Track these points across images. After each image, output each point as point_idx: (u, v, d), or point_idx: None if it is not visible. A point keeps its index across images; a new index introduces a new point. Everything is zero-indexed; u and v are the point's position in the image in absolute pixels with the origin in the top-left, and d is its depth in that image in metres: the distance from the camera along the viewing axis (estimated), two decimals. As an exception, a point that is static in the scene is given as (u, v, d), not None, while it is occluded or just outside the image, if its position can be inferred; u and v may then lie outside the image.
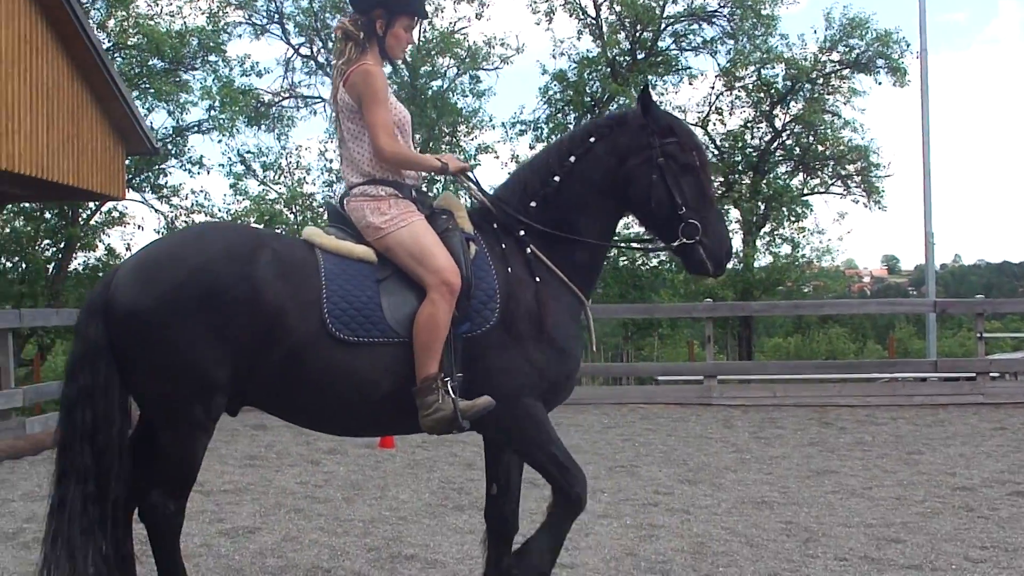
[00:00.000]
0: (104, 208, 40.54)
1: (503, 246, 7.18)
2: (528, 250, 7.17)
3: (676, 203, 7.09)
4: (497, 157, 50.44)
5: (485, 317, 6.91)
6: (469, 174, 7.53)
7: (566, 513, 7.14)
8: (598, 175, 7.25)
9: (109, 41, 38.28)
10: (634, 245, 9.94)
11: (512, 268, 7.09)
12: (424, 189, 7.50)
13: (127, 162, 26.12)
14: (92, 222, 41.11)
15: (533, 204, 7.28)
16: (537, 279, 7.09)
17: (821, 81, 41.92)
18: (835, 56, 41.87)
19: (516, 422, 6.97)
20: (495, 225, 7.29)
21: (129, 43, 39.22)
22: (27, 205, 37.19)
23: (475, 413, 6.72)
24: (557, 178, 7.26)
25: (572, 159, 7.27)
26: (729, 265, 7.44)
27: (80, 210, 39.88)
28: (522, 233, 7.21)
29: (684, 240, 7.09)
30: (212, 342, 6.63)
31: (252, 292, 6.67)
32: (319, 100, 44.38)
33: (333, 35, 7.78)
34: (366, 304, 6.84)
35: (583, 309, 7.38)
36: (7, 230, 39.52)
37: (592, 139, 7.32)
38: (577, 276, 7.29)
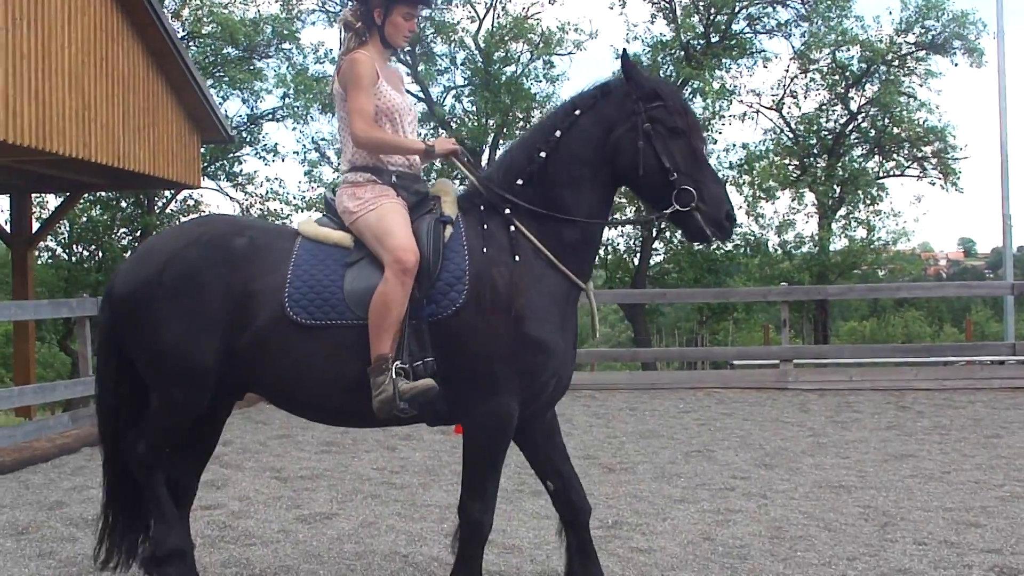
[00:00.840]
0: (179, 196, 40.89)
1: (484, 226, 7.06)
2: (511, 228, 7.02)
3: (666, 169, 6.85)
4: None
5: (452, 299, 6.82)
6: (460, 156, 7.42)
7: (469, 537, 7.12)
8: (586, 148, 7.04)
9: (184, 30, 38.58)
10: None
11: (488, 248, 6.96)
12: (416, 176, 7.42)
13: (202, 150, 26.32)
14: (168, 210, 41.44)
15: (520, 182, 7.11)
16: (516, 258, 6.93)
17: (896, 63, 41.58)
18: (911, 37, 41.53)
19: (483, 419, 6.96)
20: (481, 207, 7.17)
21: (203, 32, 39.52)
22: (104, 194, 37.52)
23: (413, 395, 6.69)
24: (543, 154, 7.07)
25: (558, 134, 7.09)
26: (733, 228, 7.03)
27: (156, 198, 40.20)
28: (507, 211, 7.06)
29: (678, 208, 6.83)
30: (190, 323, 7.03)
31: (222, 276, 7.03)
32: (393, 87, 44.52)
33: (338, 27, 7.84)
34: (327, 287, 6.94)
35: (578, 293, 7.22)
36: (84, 219, 39.87)
37: (577, 112, 7.13)
38: (570, 256, 7.08)
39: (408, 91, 41.85)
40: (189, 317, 7.02)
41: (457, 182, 7.71)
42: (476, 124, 41.29)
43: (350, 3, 7.66)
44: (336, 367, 6.91)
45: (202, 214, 38.64)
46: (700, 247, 41.29)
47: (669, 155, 6.86)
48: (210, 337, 7.01)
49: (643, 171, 6.92)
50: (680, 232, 7.26)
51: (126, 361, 7.48)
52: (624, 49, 7.63)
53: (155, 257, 7.27)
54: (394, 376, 6.69)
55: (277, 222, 28.04)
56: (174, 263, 7.13)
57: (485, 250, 6.93)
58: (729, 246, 41.85)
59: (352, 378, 6.87)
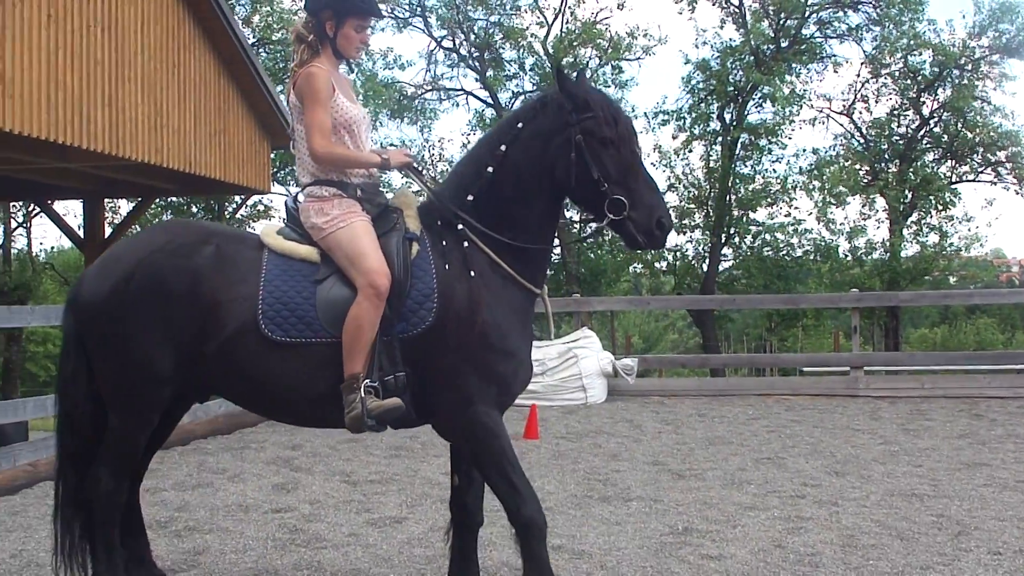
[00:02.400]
0: (250, 202, 41.15)
1: (444, 243, 7.19)
2: (465, 244, 7.12)
3: (597, 180, 6.91)
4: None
5: (421, 317, 6.98)
6: (415, 167, 7.65)
7: (527, 538, 7.07)
8: (528, 161, 7.11)
9: (254, 37, 38.80)
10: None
11: (450, 265, 7.08)
12: (376, 186, 7.57)
13: (272, 156, 26.46)
14: (238, 215, 41.73)
15: (470, 198, 7.22)
16: (472, 274, 7.04)
17: (970, 67, 41.28)
18: (984, 41, 41.25)
19: (466, 430, 7.03)
20: (439, 221, 7.26)
21: (273, 38, 39.75)
22: (175, 199, 37.79)
23: (380, 413, 6.87)
24: (491, 169, 7.18)
25: (503, 148, 7.16)
26: (666, 236, 7.02)
27: (226, 203, 40.46)
28: (460, 227, 7.15)
29: (612, 216, 6.89)
30: (157, 331, 7.17)
31: (190, 284, 7.14)
32: (461, 92, 44.63)
33: (290, 39, 8.02)
34: (300, 305, 7.06)
35: (534, 299, 7.33)
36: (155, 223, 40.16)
37: (520, 125, 7.20)
38: (524, 266, 7.20)
39: (476, 96, 41.77)
40: (155, 326, 7.13)
41: (413, 191, 7.80)
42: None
43: (303, 15, 7.79)
44: (307, 381, 7.08)
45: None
46: (770, 253, 41.24)
47: (600, 165, 6.92)
48: (174, 346, 7.14)
49: (575, 182, 6.99)
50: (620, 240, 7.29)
51: (89, 362, 7.55)
52: (557, 64, 7.76)
53: (122, 264, 7.36)
54: (363, 395, 6.86)
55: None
56: (141, 271, 7.23)
57: (447, 267, 7.07)
58: (799, 252, 41.78)
59: (321, 391, 7.04)
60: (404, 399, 6.99)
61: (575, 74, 7.29)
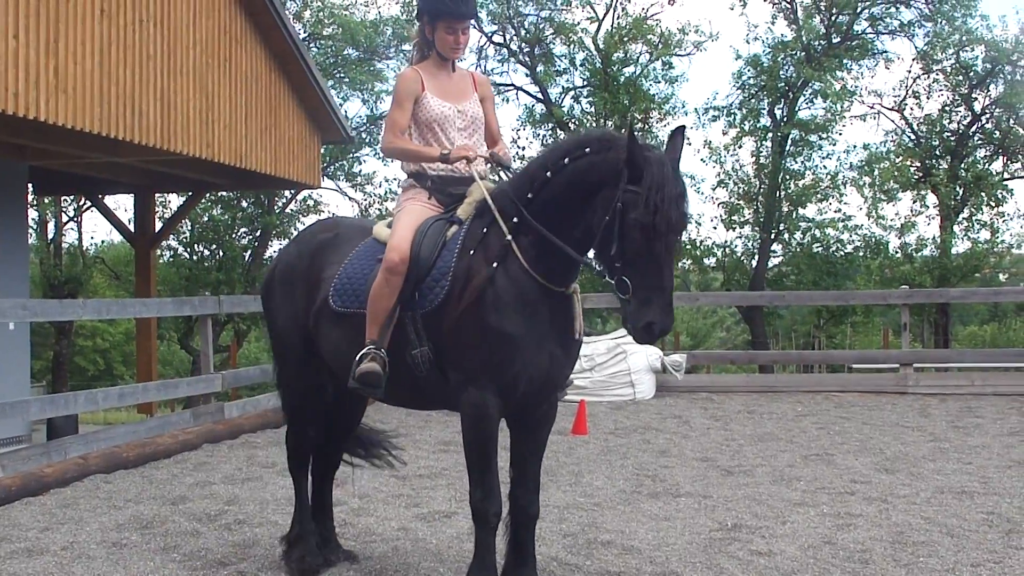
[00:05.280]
0: (299, 196, 41.27)
1: (484, 231, 7.46)
2: (507, 238, 7.32)
3: (614, 254, 6.85)
4: (690, 143, 50.00)
5: (436, 294, 7.39)
6: (474, 160, 7.88)
7: (476, 523, 7.63)
8: (577, 185, 7.13)
9: (305, 32, 38.95)
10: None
11: (476, 252, 7.39)
12: (456, 179, 7.97)
13: (322, 150, 26.56)
14: (288, 210, 41.86)
15: (529, 195, 7.36)
16: (494, 265, 7.24)
17: (1023, 63, 40.96)
18: (1038, 36, 40.86)
19: (461, 408, 7.44)
20: (491, 211, 7.46)
21: (324, 33, 39.90)
22: (225, 194, 37.97)
23: (360, 375, 7.48)
24: (549, 174, 7.29)
25: (566, 161, 7.23)
26: (655, 339, 6.92)
27: (276, 198, 40.63)
28: (515, 220, 7.35)
29: (618, 293, 6.84)
30: (288, 309, 8.42)
31: (306, 266, 8.31)
32: (511, 87, 44.56)
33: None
34: (359, 280, 7.76)
35: (569, 301, 7.41)
36: (206, 218, 40.36)
37: (586, 150, 7.17)
38: (557, 267, 7.28)
39: (526, 91, 41.42)
40: (288, 304, 8.42)
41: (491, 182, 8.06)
42: (595, 125, 41.21)
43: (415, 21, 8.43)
44: (357, 350, 7.57)
45: (323, 215, 39.25)
46: (820, 249, 41.06)
47: (622, 241, 6.82)
48: (299, 320, 8.31)
49: (599, 242, 7.00)
50: None
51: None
52: (630, 122, 7.83)
53: (275, 258, 8.75)
54: (357, 359, 7.46)
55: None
56: (280, 260, 8.77)
57: (473, 252, 7.36)
58: (849, 248, 41.59)
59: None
60: (430, 375, 7.47)
61: (672, 134, 7.20)
